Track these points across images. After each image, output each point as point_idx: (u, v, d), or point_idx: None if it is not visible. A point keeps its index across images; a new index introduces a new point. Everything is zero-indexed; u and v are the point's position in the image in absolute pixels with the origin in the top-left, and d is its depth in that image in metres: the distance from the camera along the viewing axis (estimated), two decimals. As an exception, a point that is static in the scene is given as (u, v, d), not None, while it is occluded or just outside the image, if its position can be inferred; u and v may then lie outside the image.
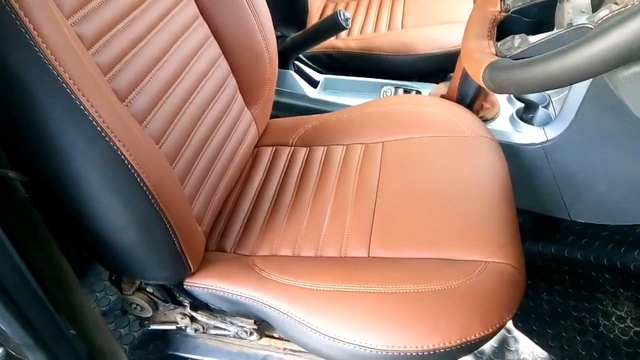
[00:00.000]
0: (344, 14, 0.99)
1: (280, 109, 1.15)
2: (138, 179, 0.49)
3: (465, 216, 0.71)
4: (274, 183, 0.89)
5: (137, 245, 0.55)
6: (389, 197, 0.78)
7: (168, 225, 0.55)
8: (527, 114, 1.09)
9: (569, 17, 0.59)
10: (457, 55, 1.14)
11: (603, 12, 0.47)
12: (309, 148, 0.95)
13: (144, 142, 0.54)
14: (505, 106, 1.11)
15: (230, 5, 0.83)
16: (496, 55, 0.58)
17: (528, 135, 1.03)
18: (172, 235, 0.56)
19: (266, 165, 0.94)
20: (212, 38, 0.84)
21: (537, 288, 1.07)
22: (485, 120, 1.07)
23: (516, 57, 0.57)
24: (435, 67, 1.20)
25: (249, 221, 0.81)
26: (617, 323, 1.01)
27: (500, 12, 0.65)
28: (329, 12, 1.46)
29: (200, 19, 0.81)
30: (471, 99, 1.05)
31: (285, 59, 1.13)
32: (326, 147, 0.94)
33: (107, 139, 0.47)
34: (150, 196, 0.51)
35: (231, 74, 0.88)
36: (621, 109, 0.89)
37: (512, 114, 1.08)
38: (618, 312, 1.02)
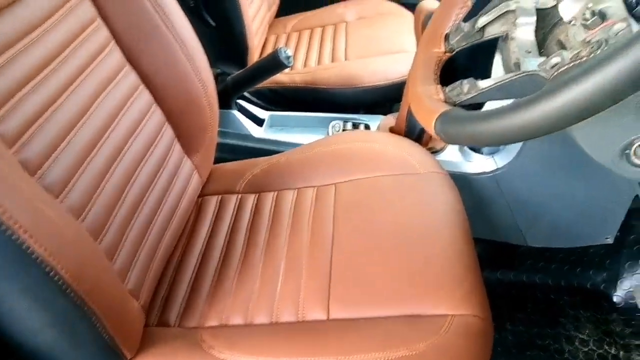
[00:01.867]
0: (285, 52, 0.95)
1: (225, 151, 1.09)
2: (50, 273, 0.42)
3: (426, 264, 0.67)
4: (221, 237, 0.82)
5: (58, 346, 0.46)
6: (346, 247, 0.73)
7: (93, 317, 0.47)
8: (475, 141, 1.09)
9: (515, 57, 0.57)
10: (403, 85, 1.12)
11: (555, 60, 0.45)
12: (257, 194, 0.89)
13: (59, 222, 0.47)
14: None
15: (160, 49, 0.76)
16: (445, 102, 0.55)
17: (478, 164, 1.03)
18: (99, 326, 0.48)
19: (212, 217, 0.87)
20: (142, 86, 0.77)
21: (500, 318, 1.06)
22: (435, 152, 1.05)
23: (466, 104, 0.55)
24: (382, 99, 1.19)
25: (195, 286, 0.74)
26: (580, 347, 1.00)
27: (444, 52, 0.63)
28: (270, 44, 1.42)
29: (128, 67, 0.74)
30: (419, 130, 1.04)
31: (227, 99, 1.07)
32: (276, 193, 0.88)
33: (8, 231, 0.39)
34: (67, 289, 0.43)
35: (166, 123, 0.81)
36: (566, 135, 0.90)
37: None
38: (580, 335, 1.02)
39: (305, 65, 1.29)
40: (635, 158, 0.50)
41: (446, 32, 0.63)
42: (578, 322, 1.05)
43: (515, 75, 0.48)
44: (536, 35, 0.58)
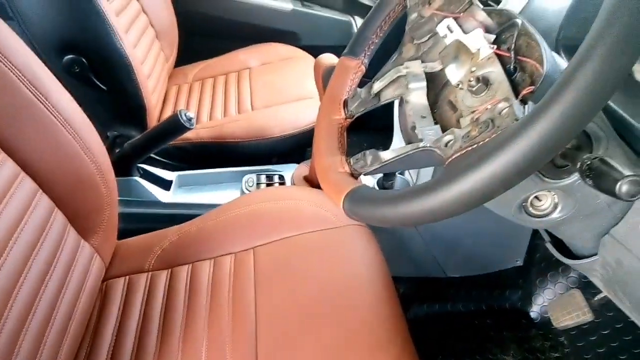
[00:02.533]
0: (185, 114, 0.91)
1: (132, 221, 1.01)
2: None
3: (355, 331, 0.66)
4: (131, 326, 0.75)
5: None
6: (271, 319, 0.70)
7: None
8: (386, 181, 1.11)
9: (411, 120, 0.59)
10: (312, 132, 1.13)
11: (448, 138, 0.46)
12: (170, 270, 0.83)
13: None
14: (366, 178, 1.12)
15: (39, 132, 0.69)
16: (352, 174, 0.54)
17: (394, 205, 1.04)
18: None
19: (120, 303, 0.79)
20: (23, 174, 0.68)
21: (432, 352, 1.07)
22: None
23: (370, 174, 0.55)
24: (293, 147, 1.18)
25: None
26: (508, 369, 1.05)
27: (345, 119, 0.63)
28: (171, 96, 1.36)
29: (2, 155, 0.66)
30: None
31: (127, 167, 1.00)
32: (191, 266, 0.83)
33: None
34: None
35: (56, 209, 0.73)
36: None
37: (374, 185, 1.09)
38: (506, 357, 1.06)
39: (211, 117, 1.25)
40: (532, 209, 0.53)
41: (344, 98, 0.64)
42: (502, 343, 1.09)
43: (413, 150, 0.49)
44: (429, 96, 0.60)
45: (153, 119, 1.14)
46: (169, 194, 1.05)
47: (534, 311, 1.12)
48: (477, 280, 1.13)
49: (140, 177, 1.02)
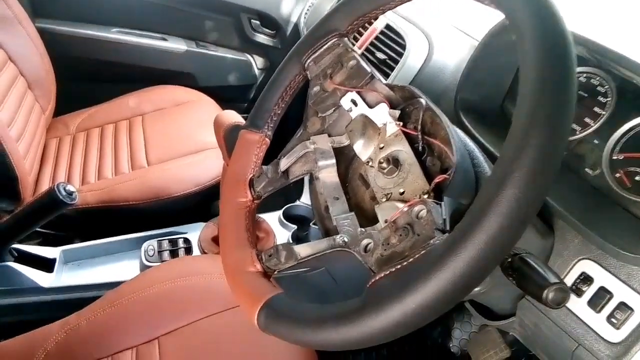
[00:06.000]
0: (65, 189, 0.78)
1: (6, 314, 0.85)
2: None
3: None
4: None
5: None
6: None
7: None
8: (301, 232, 1.07)
9: (324, 199, 0.55)
10: (217, 187, 1.05)
11: (366, 242, 0.43)
12: (57, 378, 0.70)
13: None
14: (279, 231, 1.07)
15: None
16: (264, 273, 0.49)
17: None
18: None
19: None
20: None
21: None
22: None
23: (286, 272, 0.50)
24: (198, 205, 1.09)
25: None
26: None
27: (252, 200, 0.57)
28: (51, 153, 1.20)
29: None
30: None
31: (-4, 252, 0.84)
32: (83, 369, 0.71)
33: None
34: None
35: None
36: None
37: (288, 238, 1.04)
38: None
39: (99, 176, 1.11)
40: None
41: (249, 177, 0.58)
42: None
43: (331, 249, 0.45)
44: (339, 170, 0.57)
45: (28, 187, 0.98)
46: (52, 276, 0.90)
47: (455, 345, 1.15)
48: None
49: (15, 260, 0.86)
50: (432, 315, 0.32)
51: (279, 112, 0.62)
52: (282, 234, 1.06)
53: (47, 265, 0.92)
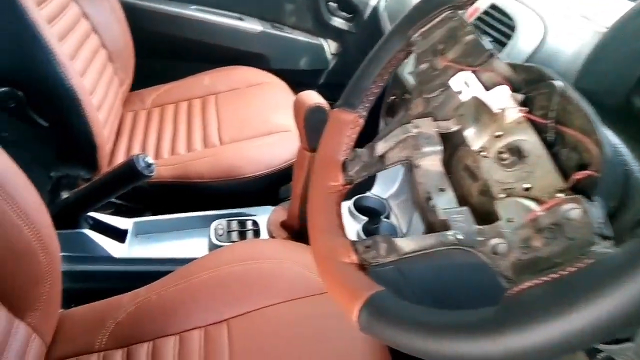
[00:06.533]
0: (144, 160, 0.78)
1: (77, 280, 0.86)
2: None
3: None
4: None
5: None
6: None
7: None
8: (371, 225, 1.02)
9: (424, 190, 0.49)
10: (289, 170, 1.02)
11: (496, 241, 0.37)
12: (126, 349, 0.69)
13: None
14: (349, 222, 1.03)
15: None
16: (360, 265, 0.44)
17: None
18: None
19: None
20: None
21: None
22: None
23: (384, 267, 0.45)
24: (267, 188, 1.06)
25: None
26: None
27: (344, 185, 0.53)
28: (127, 125, 1.21)
29: None
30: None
31: (72, 218, 0.85)
32: (151, 343, 0.70)
33: None
34: None
35: (-21, 288, 0.59)
36: None
37: (358, 230, 1.00)
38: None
39: (172, 152, 1.11)
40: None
41: (341, 159, 0.54)
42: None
43: (444, 247, 0.39)
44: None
45: (104, 155, 0.99)
46: (124, 247, 0.91)
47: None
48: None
49: (90, 228, 0.87)
50: (602, 336, 0.25)
51: (375, 90, 0.56)
52: (352, 226, 1.02)
53: (119, 235, 0.93)
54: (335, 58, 1.58)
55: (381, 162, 0.52)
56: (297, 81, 1.47)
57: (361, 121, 0.56)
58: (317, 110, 0.79)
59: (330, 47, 1.56)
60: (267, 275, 0.75)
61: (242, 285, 0.74)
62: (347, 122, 0.55)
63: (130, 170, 0.76)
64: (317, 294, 0.73)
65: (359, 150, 0.53)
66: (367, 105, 0.56)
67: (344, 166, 0.53)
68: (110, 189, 0.81)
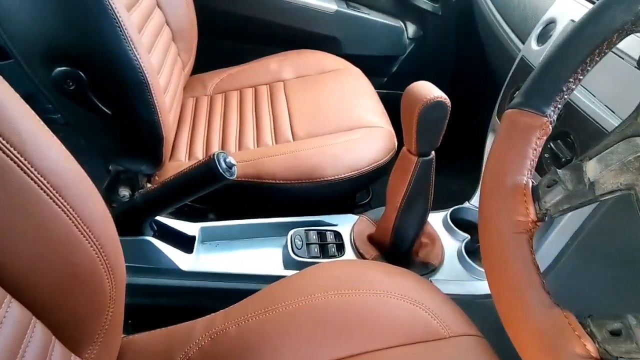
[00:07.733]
0: (225, 160, 0.64)
1: (139, 294, 0.74)
2: None
3: None
4: None
5: None
6: None
7: None
8: (473, 244, 0.86)
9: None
10: (372, 174, 0.87)
11: None
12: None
13: None
14: (445, 238, 0.87)
15: (10, 208, 0.42)
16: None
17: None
18: None
19: None
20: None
21: None
22: (432, 271, 0.80)
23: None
24: (348, 193, 0.92)
25: None
26: None
27: (535, 222, 0.37)
28: (187, 120, 1.08)
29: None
30: (412, 240, 0.79)
31: (137, 224, 0.73)
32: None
33: None
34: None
35: (33, 319, 0.47)
36: (614, 255, 0.70)
37: (460, 249, 0.84)
38: None
39: (239, 146, 0.98)
40: None
41: (529, 182, 0.38)
42: None
43: None
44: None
45: (168, 148, 0.87)
46: (191, 258, 0.78)
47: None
48: None
49: (154, 236, 0.75)
50: None
51: (573, 87, 0.40)
52: (450, 243, 0.86)
53: (186, 244, 0.80)
54: (413, 43, 1.41)
55: (592, 191, 0.36)
56: (367, 68, 1.31)
57: (550, 129, 0.40)
58: (437, 106, 0.63)
59: (408, 30, 1.39)
60: (372, 311, 0.61)
61: (342, 320, 0.60)
62: (534, 129, 0.40)
63: (209, 172, 0.63)
64: (433, 340, 0.58)
65: (560, 172, 0.37)
66: (559, 107, 0.40)
67: (535, 193, 0.37)
68: (184, 192, 0.68)
